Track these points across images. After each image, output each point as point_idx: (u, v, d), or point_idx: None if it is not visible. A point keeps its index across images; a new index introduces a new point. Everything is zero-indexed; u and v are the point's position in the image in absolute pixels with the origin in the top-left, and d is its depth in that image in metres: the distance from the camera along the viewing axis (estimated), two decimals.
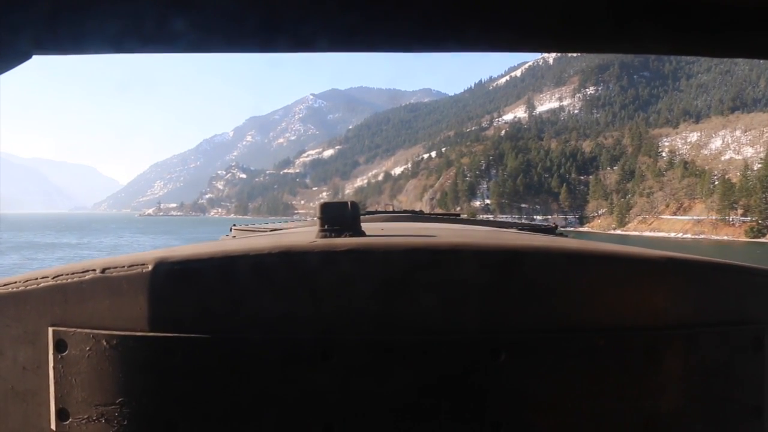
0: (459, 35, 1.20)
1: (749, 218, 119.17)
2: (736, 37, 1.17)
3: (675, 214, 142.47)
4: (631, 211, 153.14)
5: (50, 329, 1.27)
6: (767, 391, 1.35)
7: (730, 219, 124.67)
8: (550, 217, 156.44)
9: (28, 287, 1.30)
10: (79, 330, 1.25)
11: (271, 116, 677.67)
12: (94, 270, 1.27)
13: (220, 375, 1.22)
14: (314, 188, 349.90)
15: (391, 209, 9.15)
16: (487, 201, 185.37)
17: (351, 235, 1.43)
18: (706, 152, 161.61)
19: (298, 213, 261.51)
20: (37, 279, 1.30)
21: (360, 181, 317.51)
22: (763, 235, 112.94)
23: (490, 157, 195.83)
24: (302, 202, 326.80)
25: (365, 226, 1.55)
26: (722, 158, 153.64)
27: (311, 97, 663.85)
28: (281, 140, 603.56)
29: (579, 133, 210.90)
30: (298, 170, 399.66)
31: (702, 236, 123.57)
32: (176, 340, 1.23)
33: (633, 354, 1.25)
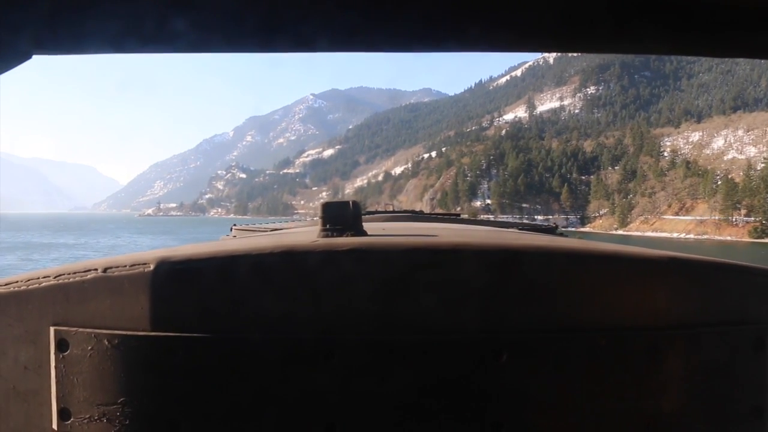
0: (459, 35, 1.20)
1: (753, 218, 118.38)
2: (737, 37, 1.17)
3: (677, 214, 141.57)
4: (633, 212, 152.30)
5: (52, 329, 1.27)
6: None
7: (734, 219, 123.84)
8: (551, 217, 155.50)
9: (29, 287, 1.30)
10: (80, 329, 1.25)
11: (271, 116, 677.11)
12: (95, 269, 1.28)
13: (222, 375, 1.23)
14: (314, 188, 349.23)
15: (391, 209, 9.04)
16: (488, 201, 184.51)
17: (352, 235, 1.44)
18: (708, 152, 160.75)
19: (297, 213, 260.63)
20: (38, 278, 1.30)
21: (360, 181, 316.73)
22: (767, 236, 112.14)
23: (491, 157, 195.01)
24: (302, 202, 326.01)
25: (366, 226, 1.55)
26: (725, 158, 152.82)
27: (311, 97, 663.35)
28: (281, 140, 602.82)
29: (580, 133, 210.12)
30: (298, 170, 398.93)
31: (705, 237, 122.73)
32: (178, 340, 1.23)
33: (634, 354, 1.26)
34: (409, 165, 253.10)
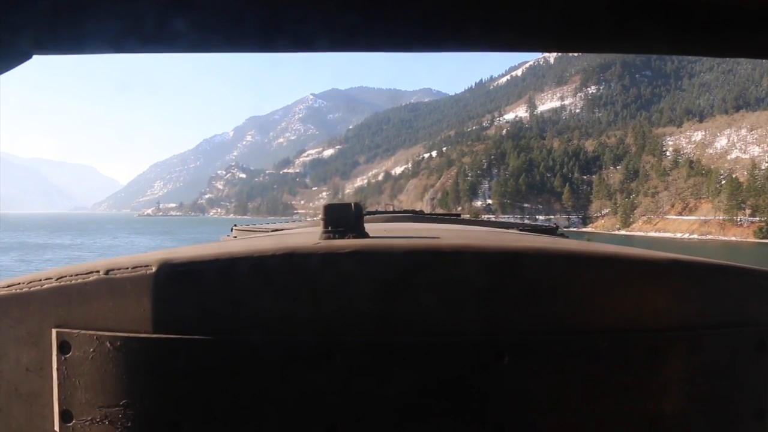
0: (459, 35, 1.20)
1: (758, 218, 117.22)
2: (737, 37, 1.17)
3: (681, 214, 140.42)
4: (635, 211, 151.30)
5: (54, 331, 1.27)
6: None
7: (738, 219, 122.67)
8: (552, 217, 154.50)
9: (31, 288, 1.30)
10: (82, 331, 1.25)
11: (271, 116, 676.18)
12: (97, 271, 1.28)
13: (223, 376, 1.23)
14: (314, 188, 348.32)
15: (391, 209, 8.89)
16: (489, 201, 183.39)
17: (354, 237, 1.44)
18: (711, 151, 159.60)
19: (297, 213, 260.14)
20: (40, 280, 1.30)
21: (360, 181, 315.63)
22: None
23: (492, 157, 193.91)
24: (302, 202, 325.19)
25: (367, 227, 1.55)
26: (728, 157, 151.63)
27: (311, 97, 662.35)
28: (281, 140, 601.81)
29: (581, 133, 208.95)
30: (297, 170, 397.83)
31: (709, 237, 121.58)
32: (180, 342, 1.23)
33: (636, 356, 1.25)
34: (410, 165, 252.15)
